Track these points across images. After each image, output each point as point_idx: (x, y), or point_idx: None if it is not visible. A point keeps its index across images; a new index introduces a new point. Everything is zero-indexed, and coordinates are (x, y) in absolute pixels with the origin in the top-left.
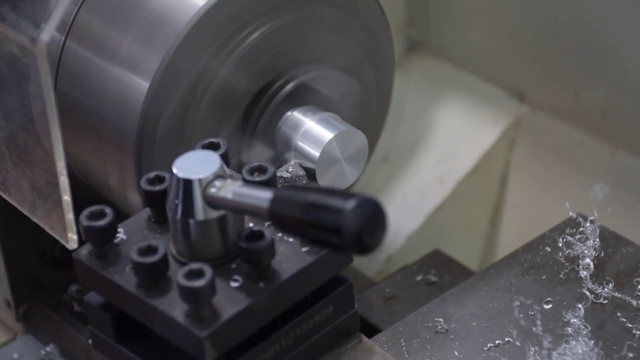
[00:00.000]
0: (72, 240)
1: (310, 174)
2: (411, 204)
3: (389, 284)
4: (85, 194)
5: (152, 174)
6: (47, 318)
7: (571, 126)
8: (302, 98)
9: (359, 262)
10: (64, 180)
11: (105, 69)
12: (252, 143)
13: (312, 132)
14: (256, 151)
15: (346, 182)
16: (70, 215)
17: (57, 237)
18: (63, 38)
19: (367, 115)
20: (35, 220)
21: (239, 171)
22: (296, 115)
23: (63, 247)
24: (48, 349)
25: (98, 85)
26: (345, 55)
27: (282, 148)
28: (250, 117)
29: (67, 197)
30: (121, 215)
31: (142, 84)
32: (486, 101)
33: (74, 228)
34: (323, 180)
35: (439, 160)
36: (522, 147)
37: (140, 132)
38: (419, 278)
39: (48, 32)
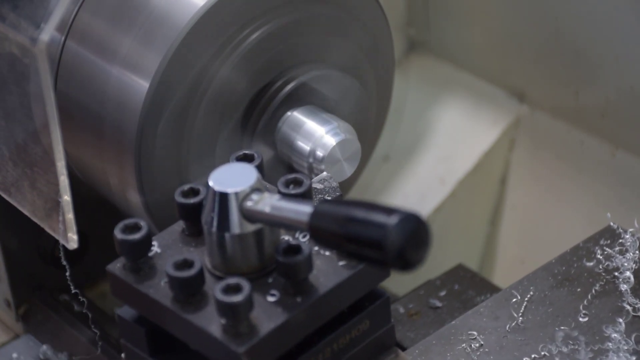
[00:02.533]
0: (72, 240)
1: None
2: (411, 204)
3: (411, 299)
4: (85, 194)
5: (186, 187)
6: (47, 318)
7: (571, 126)
8: (302, 98)
9: None
10: (64, 180)
11: (105, 69)
12: (252, 143)
13: (314, 133)
14: (256, 151)
15: (343, 177)
16: (70, 215)
17: (57, 237)
18: (63, 38)
19: (367, 115)
20: (35, 220)
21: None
22: (296, 115)
23: (63, 247)
24: (43, 348)
25: (98, 85)
26: (345, 55)
27: (282, 148)
28: (250, 117)
29: (67, 197)
30: (121, 215)
31: (142, 84)
32: (486, 101)
33: (74, 228)
34: None
35: (439, 160)
36: (522, 147)
37: (140, 132)
38: (443, 293)
39: (48, 32)
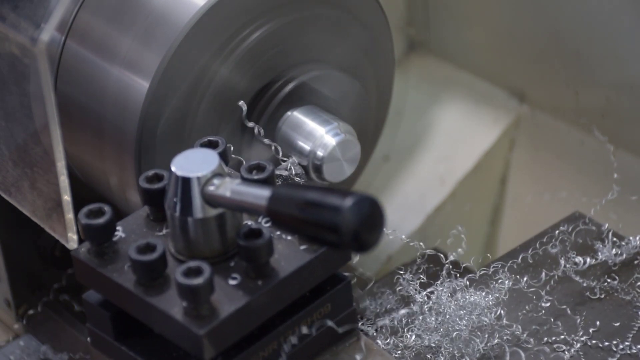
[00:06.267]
0: (72, 240)
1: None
2: (411, 204)
3: (386, 283)
4: (85, 194)
5: (150, 172)
6: (47, 318)
7: (571, 126)
8: (302, 98)
9: (358, 262)
10: (64, 180)
11: (105, 69)
12: (252, 143)
13: (314, 133)
14: (256, 151)
15: (343, 177)
16: (70, 215)
17: (57, 237)
18: (63, 38)
19: (367, 115)
20: (35, 220)
21: (240, 171)
22: (296, 115)
23: (63, 247)
24: (43, 348)
25: (98, 85)
26: (345, 55)
27: (282, 148)
28: (250, 117)
29: (67, 197)
30: (121, 215)
31: (142, 84)
32: (486, 101)
33: (74, 228)
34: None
35: (439, 160)
36: (522, 147)
37: (140, 132)
38: (415, 278)
39: (48, 32)
